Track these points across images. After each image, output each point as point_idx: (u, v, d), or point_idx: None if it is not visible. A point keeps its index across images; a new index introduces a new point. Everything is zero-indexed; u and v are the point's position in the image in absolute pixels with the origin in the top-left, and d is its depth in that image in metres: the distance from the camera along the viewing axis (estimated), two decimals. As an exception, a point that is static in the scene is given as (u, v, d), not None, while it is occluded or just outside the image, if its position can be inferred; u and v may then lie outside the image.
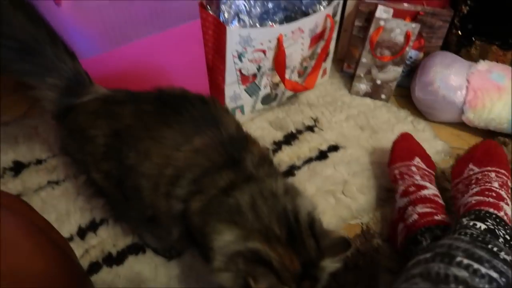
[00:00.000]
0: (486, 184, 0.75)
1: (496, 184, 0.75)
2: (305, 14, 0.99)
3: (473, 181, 0.78)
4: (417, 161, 0.87)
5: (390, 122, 1.11)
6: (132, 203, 0.66)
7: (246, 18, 0.91)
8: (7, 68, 0.62)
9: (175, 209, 0.60)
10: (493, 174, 0.77)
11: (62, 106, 0.65)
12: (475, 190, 0.75)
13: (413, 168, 0.85)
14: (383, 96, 1.16)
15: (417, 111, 1.14)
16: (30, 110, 1.10)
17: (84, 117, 0.65)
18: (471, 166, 0.81)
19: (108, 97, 0.66)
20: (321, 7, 1.01)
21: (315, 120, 1.10)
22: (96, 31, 0.74)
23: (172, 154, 0.58)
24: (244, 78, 0.96)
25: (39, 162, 0.96)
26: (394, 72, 1.10)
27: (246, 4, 0.90)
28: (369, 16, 1.10)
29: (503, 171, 0.78)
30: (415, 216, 0.76)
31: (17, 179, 0.92)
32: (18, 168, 0.94)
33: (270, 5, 0.93)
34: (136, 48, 0.80)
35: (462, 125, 1.08)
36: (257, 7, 0.91)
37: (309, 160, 0.99)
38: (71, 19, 0.69)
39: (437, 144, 1.05)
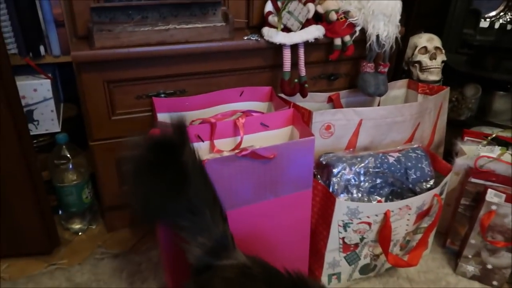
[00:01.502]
0: None
1: None
2: (411, 190, 1.01)
3: None
4: None
5: (506, 316, 0.99)
6: None
7: (354, 191, 0.95)
8: (170, 221, 0.69)
9: None
10: None
11: (203, 263, 0.68)
12: None
13: None
14: (494, 283, 1.06)
15: (538, 307, 1.01)
16: (137, 246, 1.19)
17: (218, 280, 0.66)
18: None
19: (245, 268, 0.68)
20: (428, 185, 1.03)
21: (417, 300, 1.02)
22: (221, 195, 0.82)
23: None
24: (346, 246, 0.96)
25: (138, 302, 0.99)
26: (508, 259, 1.02)
27: (355, 178, 0.95)
28: (477, 196, 1.08)
29: None
30: None
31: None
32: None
33: (378, 180, 0.97)
34: (251, 210, 0.87)
35: None
36: (366, 182, 0.96)
37: None
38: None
39: None
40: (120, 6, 0.98)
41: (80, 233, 1.23)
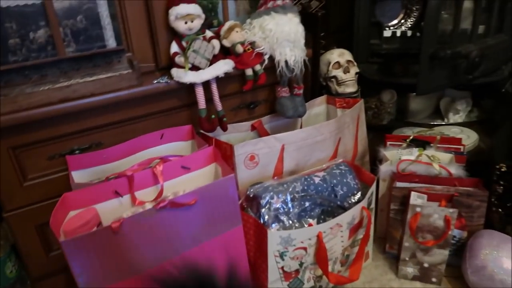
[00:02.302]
0: None
1: None
2: (341, 206, 1.03)
3: None
4: None
5: (448, 311, 1.02)
6: None
7: (285, 219, 0.96)
8: None
9: None
10: None
11: None
12: None
13: None
14: (434, 280, 1.10)
15: (475, 295, 1.06)
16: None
17: None
18: None
19: None
20: (355, 198, 1.06)
21: (365, 312, 1.04)
22: (146, 250, 0.79)
23: None
24: (286, 274, 0.96)
25: None
26: (441, 255, 1.07)
27: (284, 206, 0.96)
28: (404, 200, 1.13)
29: None
30: None
31: None
32: None
33: (306, 204, 0.98)
34: (182, 259, 0.84)
35: (531, 312, 0.98)
36: (295, 208, 0.97)
37: None
38: (126, 242, 0.75)
39: (508, 338, 0.94)
40: (14, 68, 0.93)
41: (11, 311, 1.12)
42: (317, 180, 1.02)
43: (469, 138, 1.46)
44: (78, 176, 0.97)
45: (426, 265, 1.09)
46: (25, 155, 0.97)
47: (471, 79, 1.31)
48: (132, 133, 1.07)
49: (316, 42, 1.34)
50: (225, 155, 1.04)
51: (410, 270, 1.11)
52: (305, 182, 1.00)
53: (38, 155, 0.98)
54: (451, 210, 1.02)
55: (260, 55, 1.14)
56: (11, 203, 0.98)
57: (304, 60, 1.17)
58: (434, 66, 1.26)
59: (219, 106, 1.11)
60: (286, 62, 1.13)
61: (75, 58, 1.00)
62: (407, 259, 1.10)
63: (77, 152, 1.02)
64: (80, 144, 1.03)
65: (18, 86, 0.93)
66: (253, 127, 1.24)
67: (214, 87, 1.08)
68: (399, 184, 1.14)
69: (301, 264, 0.96)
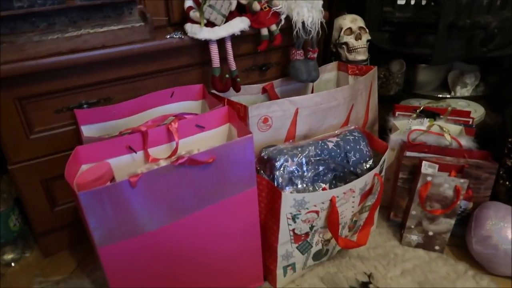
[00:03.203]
0: None
1: None
2: (353, 172, 1.03)
3: None
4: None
5: (450, 278, 1.05)
6: None
7: (298, 182, 0.95)
8: None
9: None
10: None
11: None
12: None
13: None
14: (437, 248, 1.12)
15: (476, 263, 1.08)
16: (78, 268, 1.11)
17: None
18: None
19: None
20: (367, 165, 1.06)
21: (369, 276, 1.05)
22: (161, 206, 0.77)
23: None
24: (296, 237, 0.96)
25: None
26: (446, 224, 1.08)
27: (298, 169, 0.95)
28: (413, 169, 1.13)
29: None
30: None
31: None
32: None
33: (320, 168, 0.97)
34: (196, 218, 0.83)
35: (530, 281, 1.01)
36: (309, 171, 0.96)
37: (371, 327, 0.92)
38: (143, 198, 0.74)
39: (508, 304, 0.97)
40: (21, 14, 0.88)
41: (13, 264, 1.12)
42: (330, 145, 1.01)
43: (476, 112, 1.46)
44: (87, 130, 0.95)
45: (430, 233, 1.11)
46: (32, 107, 0.94)
47: (486, 52, 1.29)
48: (143, 90, 1.04)
49: (332, 5, 1.29)
50: (237, 116, 1.01)
51: (415, 237, 1.13)
52: (319, 147, 0.99)
53: (45, 107, 0.95)
54: (461, 180, 1.02)
55: (277, 14, 1.09)
56: (16, 155, 0.96)
57: (321, 23, 1.13)
58: (450, 36, 1.23)
59: (233, 65, 1.07)
60: (303, 23, 1.09)
61: (84, 7, 0.94)
62: (412, 227, 1.12)
63: (85, 106, 0.99)
64: (88, 98, 0.99)
65: (25, 34, 0.88)
66: (264, 90, 1.21)
67: (228, 46, 1.04)
68: (409, 154, 1.14)
69: (311, 227, 0.96)
